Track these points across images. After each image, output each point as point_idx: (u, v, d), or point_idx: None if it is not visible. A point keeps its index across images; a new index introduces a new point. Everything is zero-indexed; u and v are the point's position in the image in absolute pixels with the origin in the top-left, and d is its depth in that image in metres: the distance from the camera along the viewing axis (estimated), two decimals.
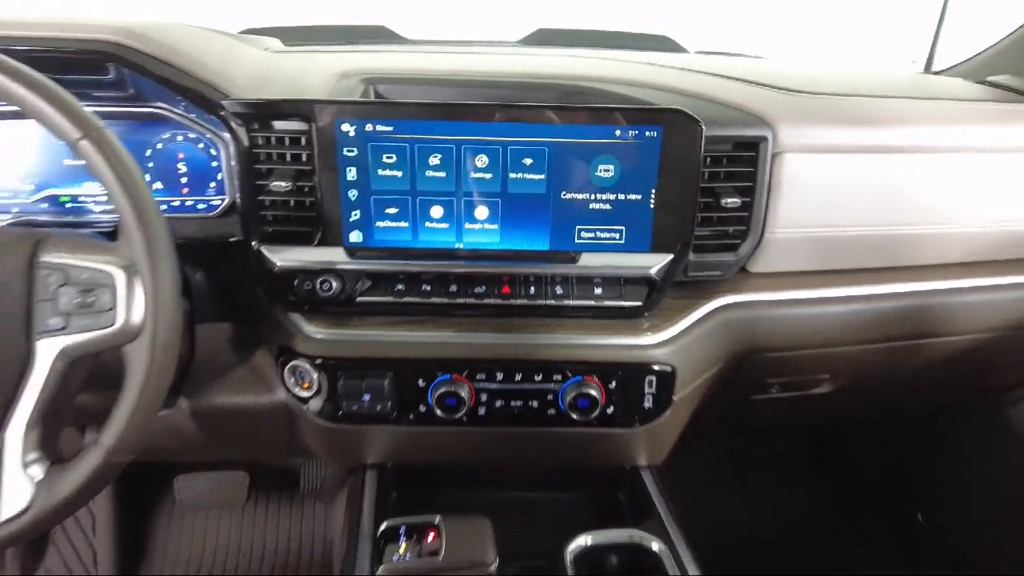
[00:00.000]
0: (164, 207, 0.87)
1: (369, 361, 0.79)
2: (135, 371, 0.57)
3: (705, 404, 0.90)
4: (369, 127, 0.76)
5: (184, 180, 0.87)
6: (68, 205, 0.86)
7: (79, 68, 0.76)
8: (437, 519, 0.66)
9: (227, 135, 0.80)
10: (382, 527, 0.67)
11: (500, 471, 0.93)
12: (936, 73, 1.38)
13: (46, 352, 0.57)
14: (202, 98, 0.76)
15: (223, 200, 0.87)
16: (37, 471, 0.57)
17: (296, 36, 1.30)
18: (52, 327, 0.57)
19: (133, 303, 0.56)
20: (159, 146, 0.85)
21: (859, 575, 1.33)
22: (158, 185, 0.86)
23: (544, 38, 1.45)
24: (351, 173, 0.78)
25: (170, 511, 1.32)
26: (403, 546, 0.63)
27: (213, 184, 0.87)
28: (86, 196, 0.86)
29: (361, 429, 0.83)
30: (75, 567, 1.33)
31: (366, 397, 0.80)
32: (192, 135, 0.85)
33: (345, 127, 0.76)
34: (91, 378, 0.62)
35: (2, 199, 0.85)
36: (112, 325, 0.56)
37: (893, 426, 1.36)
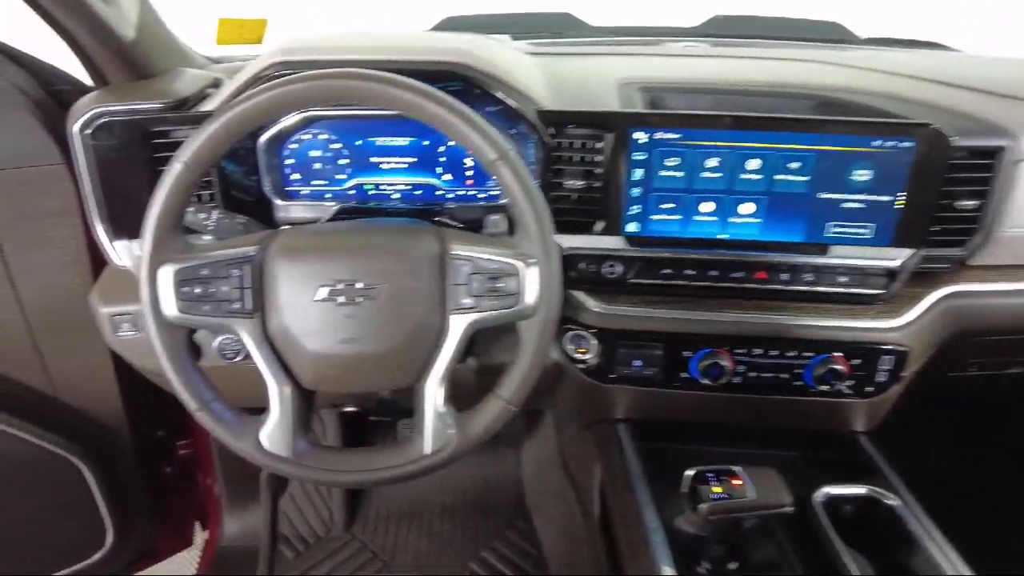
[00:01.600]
0: (451, 195, 1.01)
1: (643, 333, 0.94)
2: (528, 342, 0.72)
3: (912, 379, 1.01)
4: (659, 135, 0.88)
5: (469, 173, 1.00)
6: (371, 192, 1.01)
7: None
8: (738, 469, 0.80)
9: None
10: (690, 471, 0.81)
11: (723, 429, 1.07)
12: None
13: (457, 325, 0.72)
14: (518, 108, 0.88)
15: (500, 191, 1.00)
16: (449, 416, 0.73)
17: (494, 25, 1.42)
18: (464, 306, 0.72)
19: (532, 288, 0.71)
20: (451, 143, 0.99)
21: None
22: (447, 176, 1.01)
23: (720, 25, 1.52)
24: (637, 173, 0.90)
25: None
26: (716, 487, 0.78)
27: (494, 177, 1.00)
28: (386, 185, 1.01)
29: (622, 389, 0.98)
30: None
31: (637, 363, 0.95)
32: None
33: (638, 134, 0.88)
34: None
35: (318, 187, 1.01)
36: (515, 306, 0.71)
37: None
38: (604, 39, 1.38)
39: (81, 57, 0.96)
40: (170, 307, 0.70)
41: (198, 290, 0.70)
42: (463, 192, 1.01)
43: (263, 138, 0.96)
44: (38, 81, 1.06)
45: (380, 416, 1.11)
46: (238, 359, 0.94)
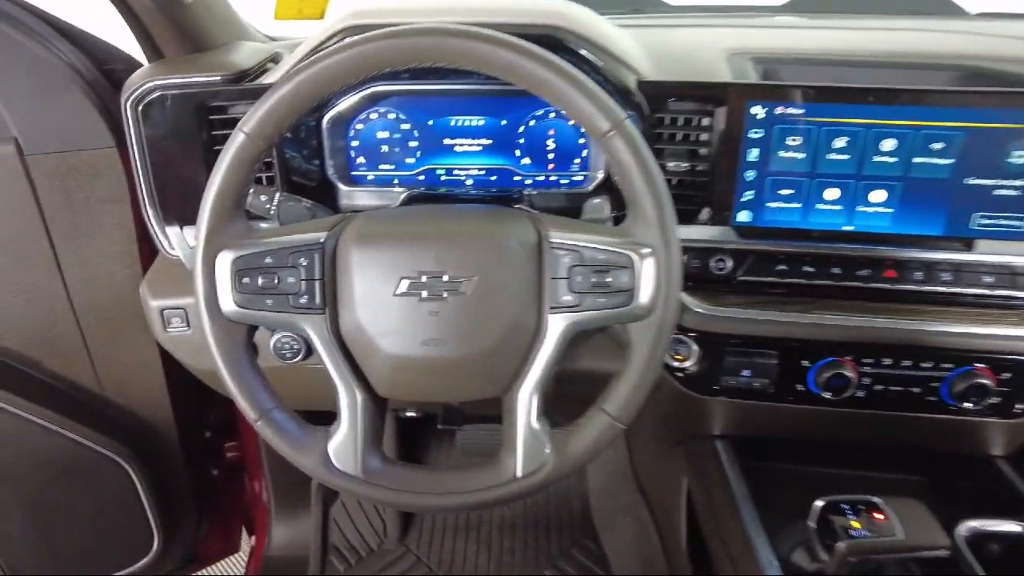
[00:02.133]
0: (530, 181, 0.91)
1: (754, 339, 0.82)
2: (641, 347, 0.61)
3: None
4: (780, 109, 0.76)
5: (551, 156, 0.90)
6: (443, 178, 0.92)
7: None
8: (879, 500, 0.68)
9: None
10: (820, 501, 0.70)
11: (831, 448, 0.94)
12: None
13: (556, 325, 0.61)
14: (616, 78, 0.78)
15: (584, 176, 0.90)
16: (544, 432, 0.63)
17: None
18: (565, 304, 0.61)
19: (647, 284, 0.60)
20: (531, 123, 0.89)
21: None
22: (526, 160, 0.90)
23: (810, 2, 1.39)
24: (752, 154, 0.79)
25: (447, 458, 1.43)
26: (854, 522, 0.66)
27: (577, 161, 0.90)
28: (459, 170, 0.91)
29: (724, 402, 0.86)
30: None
31: (746, 373, 0.83)
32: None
33: (755, 109, 0.77)
34: None
35: (386, 171, 0.92)
36: (626, 305, 0.60)
37: None
38: (688, 15, 1.26)
39: (135, 27, 0.89)
40: (227, 300, 0.61)
41: (260, 281, 0.61)
42: (543, 177, 0.91)
43: (328, 116, 0.88)
44: (91, 59, 1.00)
45: (448, 424, 1.01)
46: (297, 359, 0.85)
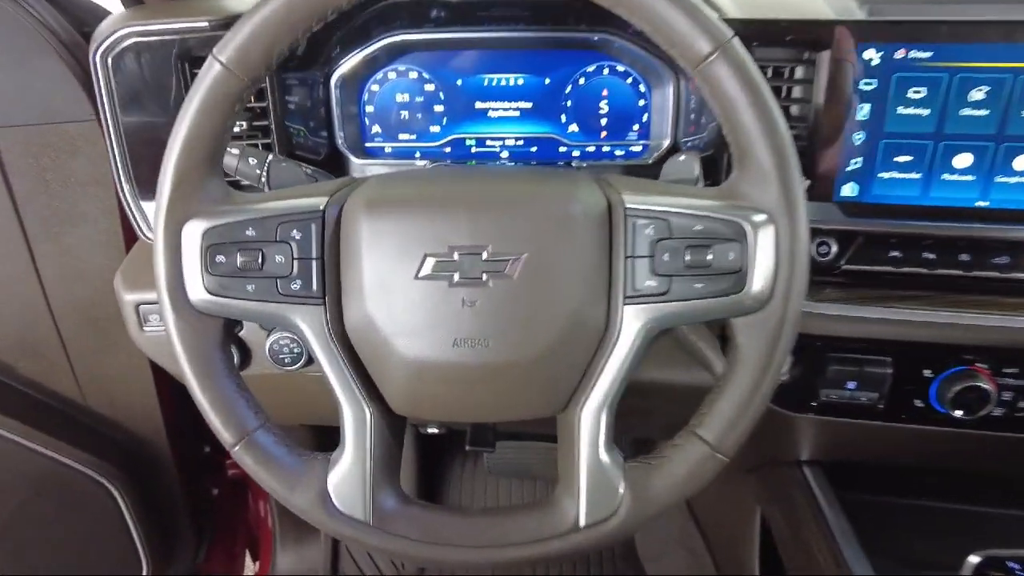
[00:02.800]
0: (577, 152, 0.76)
1: (861, 343, 0.65)
2: (752, 352, 0.46)
3: None
4: (900, 53, 0.61)
5: (604, 122, 0.75)
6: (473, 149, 0.77)
7: None
8: None
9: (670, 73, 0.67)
10: (975, 557, 0.53)
11: (938, 476, 0.78)
12: None
13: (633, 320, 0.46)
14: None
15: (644, 145, 0.75)
16: (616, 465, 0.47)
17: None
18: (646, 291, 0.46)
19: (764, 263, 0.44)
20: (581, 81, 0.74)
21: None
22: (574, 128, 0.75)
23: None
24: (862, 111, 0.63)
25: (472, 478, 1.28)
26: None
27: (636, 127, 0.75)
28: (493, 139, 0.76)
29: (819, 420, 0.70)
30: None
31: (851, 385, 0.67)
32: (621, 68, 0.73)
33: (868, 53, 0.61)
34: None
35: (406, 142, 0.77)
36: (734, 292, 0.44)
37: None
38: None
39: None
40: (196, 286, 0.47)
41: (240, 260, 0.46)
42: (594, 148, 0.76)
43: (337, 75, 0.73)
44: (70, 20, 0.87)
45: (477, 446, 0.86)
46: (298, 366, 0.71)
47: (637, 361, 0.47)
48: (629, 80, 0.74)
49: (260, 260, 0.46)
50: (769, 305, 0.45)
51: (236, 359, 0.71)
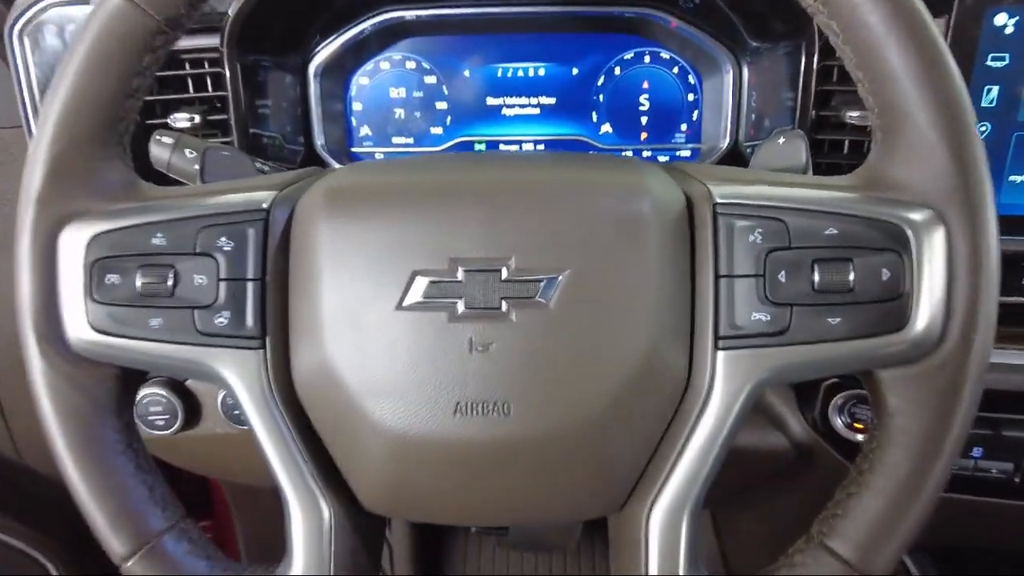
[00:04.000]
0: None
1: (997, 396, 0.49)
2: (915, 420, 0.30)
3: None
4: None
5: (644, 121, 0.61)
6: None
7: None
8: None
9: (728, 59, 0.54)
10: None
11: None
12: None
13: (733, 373, 0.30)
14: None
15: (693, 149, 0.61)
16: None
17: None
18: (751, 328, 0.30)
19: (933, 284, 0.29)
20: (616, 71, 0.60)
21: None
22: (607, 128, 0.62)
23: None
24: (990, 95, 0.48)
25: (478, 552, 1.10)
26: None
27: (684, 127, 0.61)
28: (507, 143, 0.62)
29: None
30: None
31: (976, 452, 0.51)
32: (665, 55, 0.60)
33: (1000, 19, 0.47)
34: None
35: (401, 145, 0.63)
36: (890, 330, 0.29)
37: None
38: None
39: None
40: (77, 318, 0.31)
41: (141, 282, 0.31)
42: (632, 152, 0.62)
43: (315, 64, 0.60)
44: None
45: (489, 532, 0.70)
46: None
47: (733, 434, 0.31)
48: (675, 69, 0.60)
49: (171, 282, 0.31)
50: (940, 350, 0.29)
51: (180, 417, 0.55)
